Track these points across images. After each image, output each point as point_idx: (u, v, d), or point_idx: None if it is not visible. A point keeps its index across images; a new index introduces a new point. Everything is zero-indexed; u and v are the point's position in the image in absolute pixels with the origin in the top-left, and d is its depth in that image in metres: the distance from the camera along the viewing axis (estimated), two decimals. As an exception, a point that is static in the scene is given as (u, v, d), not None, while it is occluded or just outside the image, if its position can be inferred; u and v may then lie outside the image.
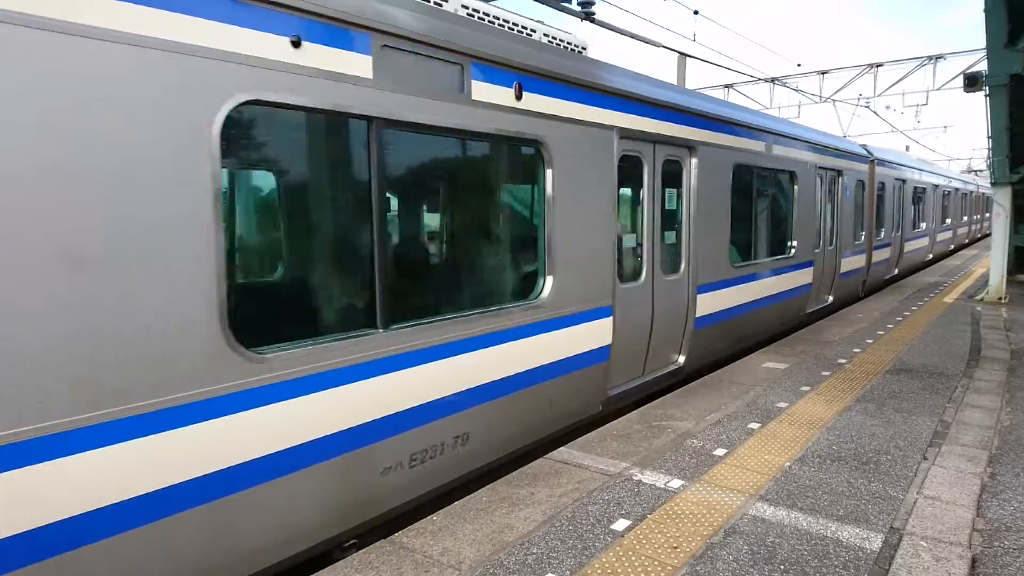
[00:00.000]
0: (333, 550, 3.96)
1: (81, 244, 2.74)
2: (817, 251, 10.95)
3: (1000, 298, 12.86)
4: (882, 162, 14.45)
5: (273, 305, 4.05)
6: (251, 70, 3.28)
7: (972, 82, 13.41)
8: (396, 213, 4.66)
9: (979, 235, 33.50)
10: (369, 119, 3.89)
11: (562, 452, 5.04)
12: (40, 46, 2.61)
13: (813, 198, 10.61)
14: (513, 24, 5.89)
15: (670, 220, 7.16)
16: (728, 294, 8.12)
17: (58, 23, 2.66)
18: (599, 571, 3.41)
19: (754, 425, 5.63)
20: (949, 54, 23.30)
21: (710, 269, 7.63)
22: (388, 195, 4.24)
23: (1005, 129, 12.49)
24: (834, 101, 26.05)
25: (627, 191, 6.50)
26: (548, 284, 5.30)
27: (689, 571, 3.39)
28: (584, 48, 6.61)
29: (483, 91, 4.60)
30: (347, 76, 3.73)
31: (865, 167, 13.29)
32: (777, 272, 9.44)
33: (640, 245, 6.68)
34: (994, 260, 13.10)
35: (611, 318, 6.03)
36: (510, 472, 4.72)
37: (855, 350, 8.52)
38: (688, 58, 17.97)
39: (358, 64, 3.80)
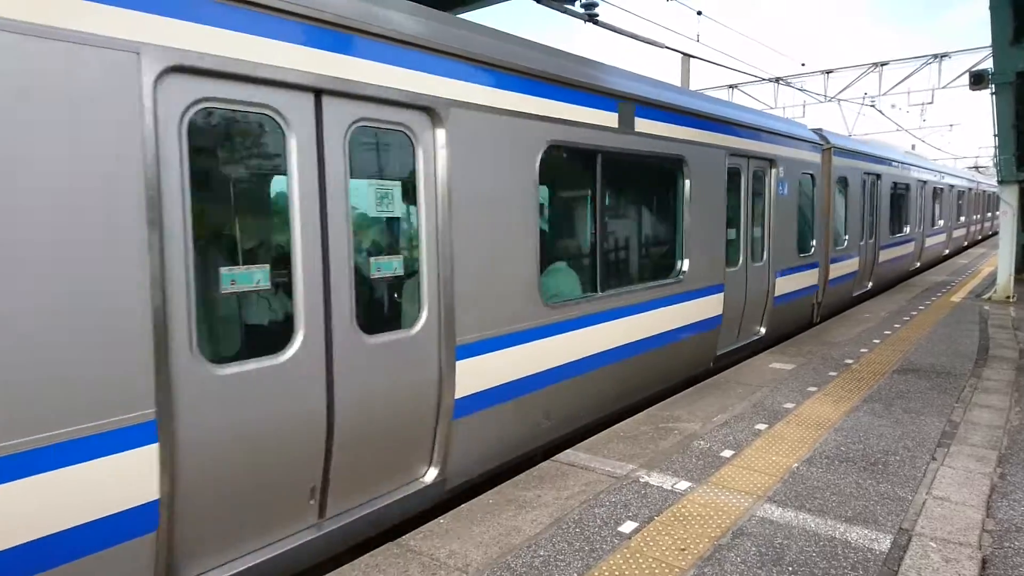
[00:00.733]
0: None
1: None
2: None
3: (1008, 297, 12.79)
4: (843, 152, 11.70)
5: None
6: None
7: (978, 80, 13.37)
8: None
9: (979, 236, 32.59)
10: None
11: (568, 454, 5.04)
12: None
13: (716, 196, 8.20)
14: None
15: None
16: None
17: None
18: (606, 573, 3.40)
19: (761, 426, 5.61)
20: (954, 52, 23.04)
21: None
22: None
23: (1011, 127, 12.45)
24: (839, 100, 25.96)
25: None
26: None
27: (697, 573, 3.39)
28: None
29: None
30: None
31: (816, 156, 10.56)
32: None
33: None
34: (1002, 258, 13.04)
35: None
36: (517, 474, 4.72)
37: (862, 350, 8.49)
38: (692, 59, 17.96)
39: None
